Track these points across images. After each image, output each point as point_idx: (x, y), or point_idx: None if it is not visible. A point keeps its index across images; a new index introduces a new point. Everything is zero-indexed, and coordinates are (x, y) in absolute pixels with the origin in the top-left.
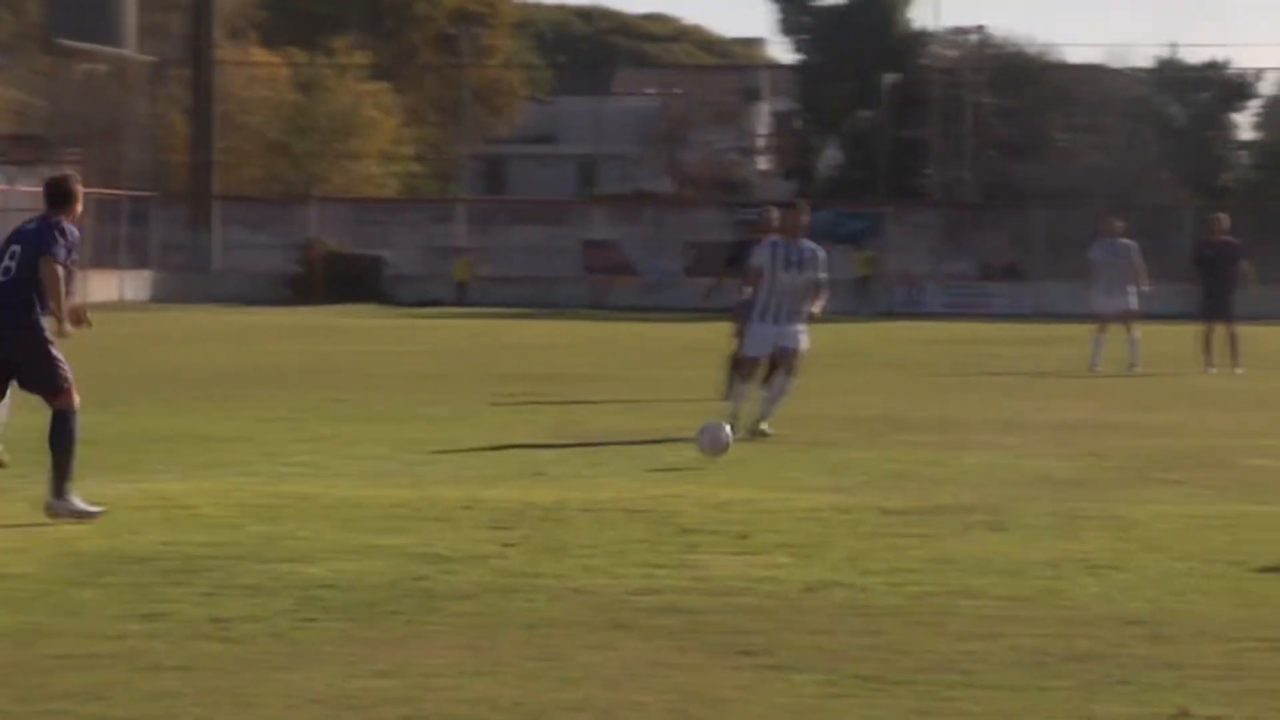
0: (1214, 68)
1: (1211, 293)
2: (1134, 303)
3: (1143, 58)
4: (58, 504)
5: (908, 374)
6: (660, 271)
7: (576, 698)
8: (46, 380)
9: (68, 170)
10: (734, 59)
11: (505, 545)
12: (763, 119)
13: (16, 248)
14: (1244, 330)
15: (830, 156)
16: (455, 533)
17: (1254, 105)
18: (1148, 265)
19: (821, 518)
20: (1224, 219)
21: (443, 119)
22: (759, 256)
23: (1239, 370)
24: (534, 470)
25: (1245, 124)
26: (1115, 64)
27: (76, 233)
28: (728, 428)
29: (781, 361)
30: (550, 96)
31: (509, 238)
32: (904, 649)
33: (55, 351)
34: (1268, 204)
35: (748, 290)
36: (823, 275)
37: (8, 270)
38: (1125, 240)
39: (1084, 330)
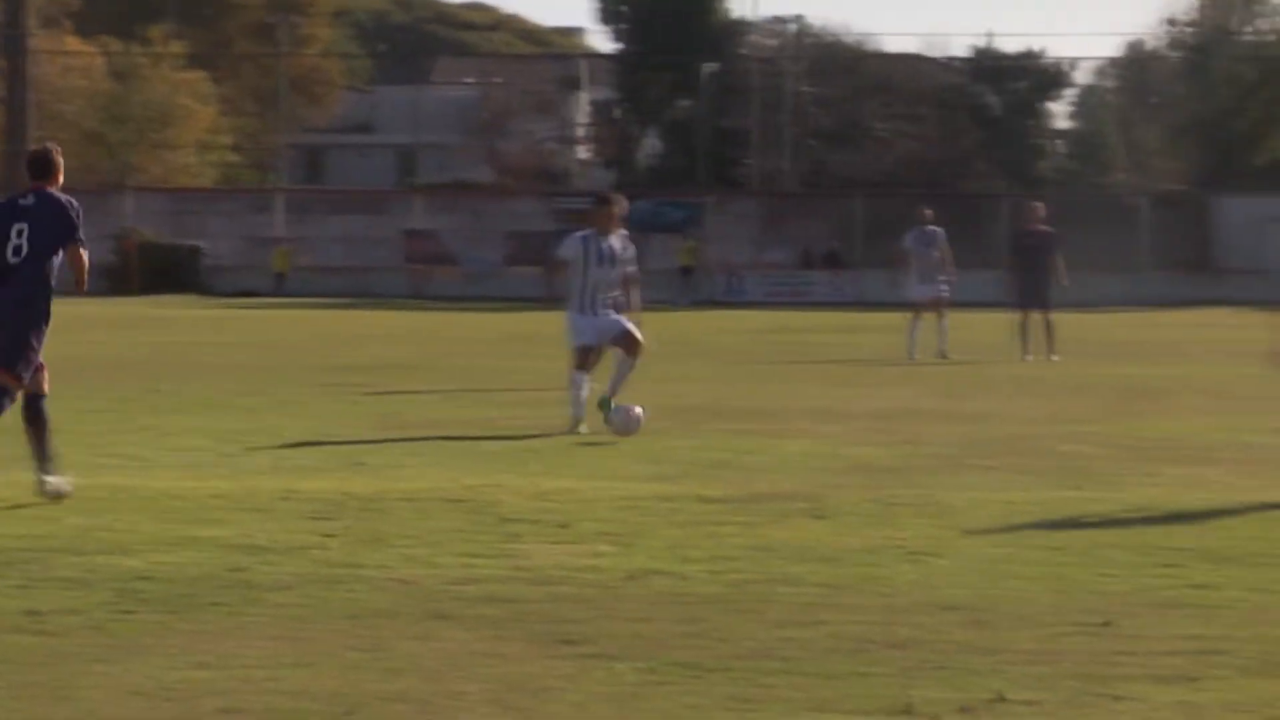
0: (1029, 57)
1: (1027, 281)
2: (946, 290)
3: (959, 47)
4: None
5: (728, 363)
6: (481, 262)
7: (397, 688)
8: (11, 356)
9: (49, 143)
10: (553, 48)
11: (325, 536)
12: (582, 108)
13: (23, 225)
14: (1060, 318)
15: (650, 146)
16: (275, 524)
17: (1068, 94)
18: (966, 253)
19: (642, 506)
20: (1040, 207)
21: (260, 108)
22: (569, 249)
23: (1055, 358)
24: (354, 461)
25: (1060, 113)
26: (932, 53)
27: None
28: (637, 409)
29: (622, 344)
30: (369, 86)
31: (328, 228)
32: (723, 636)
33: (39, 344)
34: (1082, 192)
35: (555, 281)
36: (631, 269)
37: (19, 250)
38: (935, 228)
39: (902, 319)
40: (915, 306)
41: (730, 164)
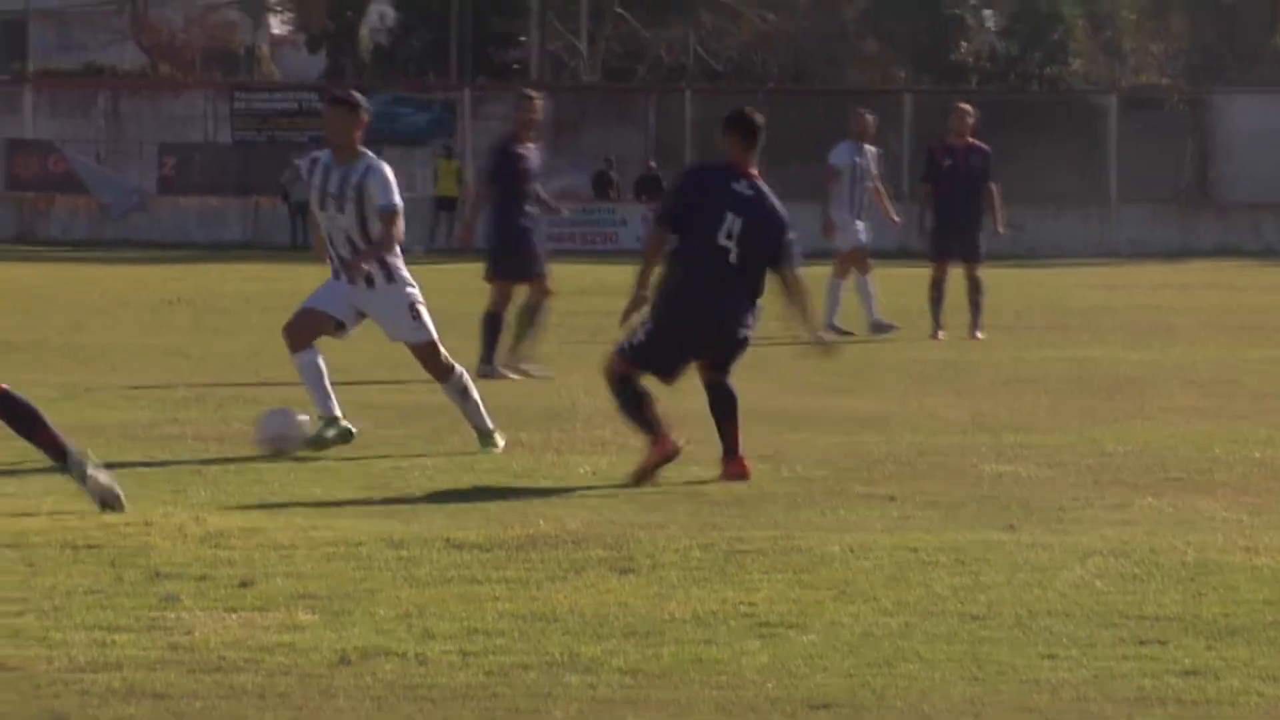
0: None
1: (948, 221)
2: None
3: None
4: None
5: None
6: (123, 188)
7: None
8: None
9: None
10: None
11: None
12: None
13: None
14: (991, 275)
15: (379, 15)
16: None
17: None
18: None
19: (361, 555)
20: (969, 114)
21: None
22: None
23: (980, 334)
24: None
25: None
26: None
27: None
28: (300, 414)
29: (421, 359)
30: None
31: None
32: None
33: None
34: (1023, 89)
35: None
36: (386, 202)
37: None
38: (872, 147)
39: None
40: (846, 258)
41: (499, 43)
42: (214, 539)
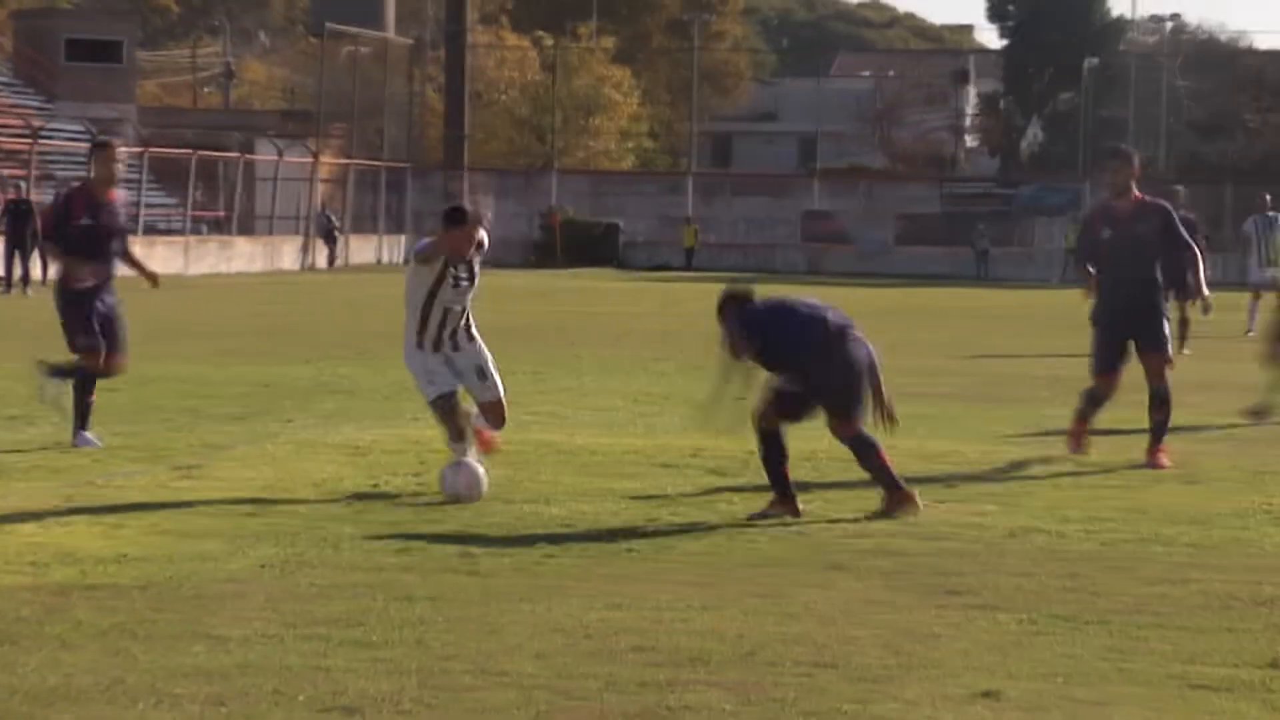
0: None
1: None
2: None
3: None
4: None
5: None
6: (873, 241)
7: (795, 632)
8: None
9: None
10: (944, 44)
11: (731, 491)
12: (970, 100)
13: None
14: None
15: (1033, 135)
16: (683, 479)
17: None
18: None
19: (1024, 471)
20: None
21: (674, 99)
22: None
23: None
24: None
25: None
26: None
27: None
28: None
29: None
30: (774, 78)
31: (733, 208)
32: (1099, 591)
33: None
34: None
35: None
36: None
37: None
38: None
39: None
40: (1255, 288)
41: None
42: (931, 457)
